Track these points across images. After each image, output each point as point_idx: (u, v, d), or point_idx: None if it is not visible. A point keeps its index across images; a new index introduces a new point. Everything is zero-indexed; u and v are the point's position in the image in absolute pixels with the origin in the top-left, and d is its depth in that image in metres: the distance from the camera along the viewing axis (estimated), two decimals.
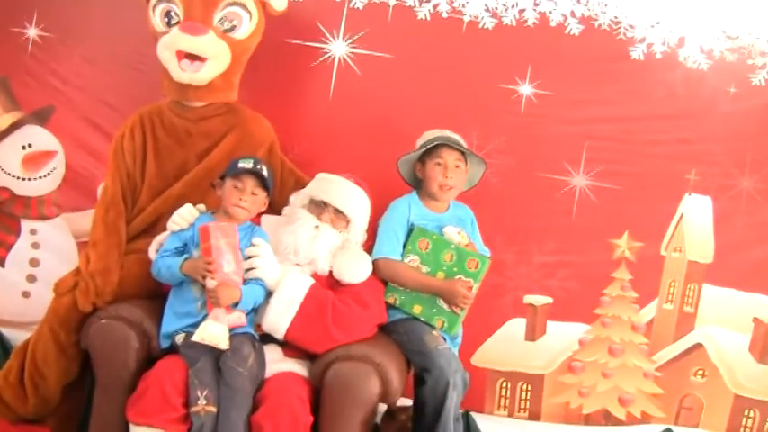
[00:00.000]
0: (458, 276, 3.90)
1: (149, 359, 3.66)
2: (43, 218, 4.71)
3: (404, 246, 3.98)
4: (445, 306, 3.90)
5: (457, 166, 4.02)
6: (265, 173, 3.79)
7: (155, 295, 3.83)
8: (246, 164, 3.78)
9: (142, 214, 4.06)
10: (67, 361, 3.88)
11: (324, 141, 4.47)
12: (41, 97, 4.64)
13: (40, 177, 4.69)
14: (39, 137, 4.67)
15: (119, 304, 3.77)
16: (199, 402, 3.49)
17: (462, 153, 4.05)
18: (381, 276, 3.95)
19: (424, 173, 4.05)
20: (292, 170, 4.26)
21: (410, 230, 4.01)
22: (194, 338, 3.54)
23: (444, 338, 3.89)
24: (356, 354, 3.66)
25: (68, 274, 3.91)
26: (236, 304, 3.60)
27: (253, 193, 3.76)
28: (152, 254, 3.81)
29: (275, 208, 4.01)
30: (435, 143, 4.02)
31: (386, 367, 3.65)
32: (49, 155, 4.69)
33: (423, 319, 3.93)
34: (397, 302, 3.96)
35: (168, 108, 4.13)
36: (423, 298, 3.92)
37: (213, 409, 3.50)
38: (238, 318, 3.62)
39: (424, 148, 4.04)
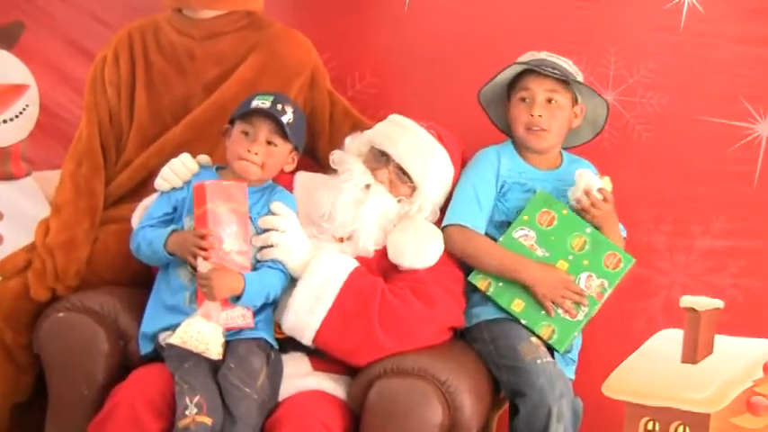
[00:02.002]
0: (587, 273, 3.56)
1: (125, 369, 3.42)
2: (9, 177, 4.47)
3: (517, 213, 3.66)
4: (560, 310, 3.54)
5: (550, 100, 3.66)
6: (288, 117, 3.49)
7: (141, 281, 3.60)
8: (263, 101, 3.51)
9: (128, 169, 3.82)
10: (16, 371, 3.66)
11: (395, 74, 4.18)
12: (6, 11, 4.43)
13: (5, 122, 4.45)
14: (3, 65, 4.44)
15: (87, 292, 3.55)
16: (187, 413, 3.21)
17: (562, 82, 3.67)
18: (451, 249, 3.63)
19: (511, 114, 3.77)
20: (348, 112, 3.97)
21: (504, 190, 3.65)
22: (172, 340, 3.26)
23: (552, 352, 3.53)
24: (412, 367, 3.35)
25: (19, 249, 3.72)
26: (237, 298, 3.33)
27: (270, 143, 3.48)
28: (135, 222, 3.54)
29: (323, 163, 3.76)
30: (519, 69, 3.67)
31: (454, 387, 3.33)
32: (16, 90, 4.45)
33: (524, 321, 3.55)
34: (491, 290, 3.61)
35: (167, 22, 3.88)
36: (529, 291, 3.60)
37: (207, 420, 3.22)
38: (241, 317, 3.36)
39: (504, 77, 3.71)
